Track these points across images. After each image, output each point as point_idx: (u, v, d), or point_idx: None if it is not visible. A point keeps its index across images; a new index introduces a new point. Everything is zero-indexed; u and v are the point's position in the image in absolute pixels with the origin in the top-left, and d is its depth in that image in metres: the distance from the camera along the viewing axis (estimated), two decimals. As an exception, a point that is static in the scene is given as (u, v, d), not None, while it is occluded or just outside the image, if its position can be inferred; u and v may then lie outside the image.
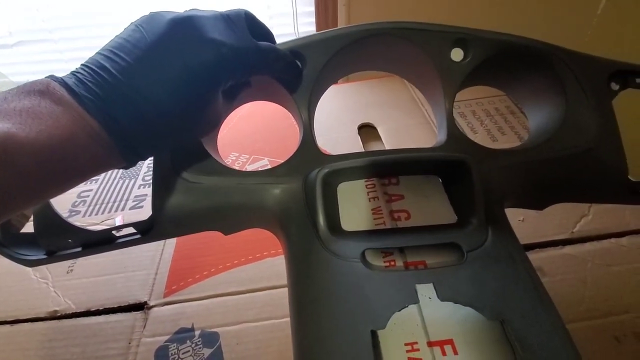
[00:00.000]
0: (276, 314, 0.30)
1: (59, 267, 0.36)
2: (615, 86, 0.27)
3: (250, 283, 0.33)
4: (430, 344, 0.19)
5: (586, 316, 0.28)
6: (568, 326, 0.28)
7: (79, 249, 0.26)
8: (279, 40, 0.26)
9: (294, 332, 0.20)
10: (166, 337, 0.30)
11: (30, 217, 0.27)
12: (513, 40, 0.27)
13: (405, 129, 0.47)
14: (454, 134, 0.26)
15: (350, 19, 0.53)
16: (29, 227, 0.26)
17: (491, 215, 0.23)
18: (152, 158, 0.25)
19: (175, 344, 0.29)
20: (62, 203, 0.44)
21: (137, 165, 0.47)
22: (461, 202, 0.24)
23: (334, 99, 0.58)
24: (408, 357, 0.18)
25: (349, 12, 0.52)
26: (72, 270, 0.36)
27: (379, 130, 0.48)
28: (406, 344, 0.19)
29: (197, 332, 0.30)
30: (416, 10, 0.53)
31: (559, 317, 0.19)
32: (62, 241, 0.26)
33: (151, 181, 0.25)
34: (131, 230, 0.26)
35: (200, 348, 0.29)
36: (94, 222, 0.41)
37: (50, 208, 0.25)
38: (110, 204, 0.43)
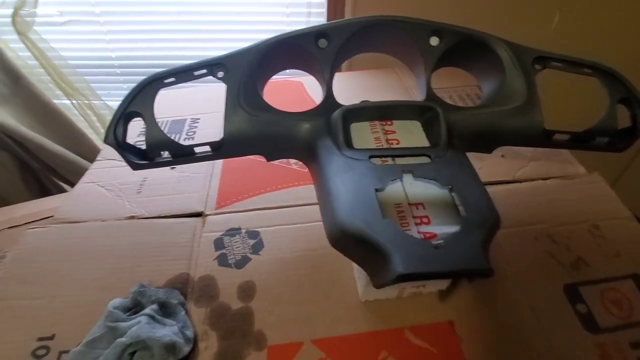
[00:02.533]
0: (302, 220, 0.42)
1: (129, 189, 0.47)
2: (538, 67, 0.40)
3: (280, 202, 0.44)
4: (410, 205, 0.31)
5: (516, 225, 0.41)
6: (508, 230, 0.41)
7: (170, 158, 0.37)
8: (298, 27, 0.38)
9: (325, 202, 0.31)
10: (221, 233, 0.41)
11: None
12: (472, 32, 0.39)
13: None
14: (430, 94, 0.39)
15: (355, 10, 0.65)
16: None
17: (452, 143, 0.35)
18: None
19: (228, 237, 0.41)
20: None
21: (180, 124, 0.59)
22: (433, 134, 0.36)
23: (336, 84, 0.70)
24: (396, 210, 0.30)
25: (354, 4, 0.64)
26: (140, 192, 0.46)
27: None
28: (395, 204, 0.31)
29: (243, 231, 0.41)
30: (413, 3, 0.65)
31: (486, 192, 0.31)
32: (161, 150, 0.37)
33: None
34: (207, 148, 0.38)
35: (246, 239, 0.40)
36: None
37: (157, 126, 0.36)
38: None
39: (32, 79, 0.75)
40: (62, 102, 0.83)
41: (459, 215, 0.29)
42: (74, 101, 0.82)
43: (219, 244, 0.40)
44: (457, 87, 0.62)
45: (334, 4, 0.64)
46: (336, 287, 0.36)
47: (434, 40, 0.40)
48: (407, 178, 0.32)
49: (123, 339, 0.28)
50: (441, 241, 0.25)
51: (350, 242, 0.28)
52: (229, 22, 0.83)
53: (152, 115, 0.36)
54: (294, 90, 0.67)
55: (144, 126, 0.36)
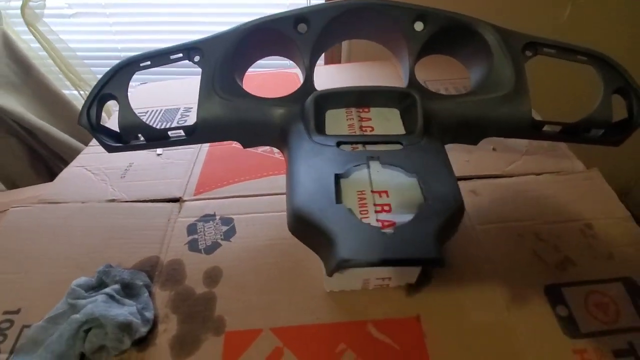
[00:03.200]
0: (276, 209, 0.41)
1: (114, 173, 0.47)
2: (529, 53, 0.37)
3: (257, 191, 0.44)
4: (373, 192, 0.29)
5: (501, 221, 0.39)
6: (487, 226, 0.39)
7: (144, 142, 0.37)
8: (292, 7, 0.37)
9: (288, 188, 0.31)
10: (195, 219, 0.41)
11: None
12: (457, 17, 0.38)
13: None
14: (413, 81, 0.37)
15: None
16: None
17: (429, 131, 0.33)
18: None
19: (202, 223, 0.40)
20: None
21: (173, 113, 0.59)
22: (410, 122, 0.35)
23: (337, 75, 0.69)
24: (358, 197, 0.29)
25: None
26: (124, 176, 0.47)
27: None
28: (358, 191, 0.30)
29: (217, 217, 0.41)
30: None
31: (454, 182, 0.29)
32: (135, 134, 0.37)
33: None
34: (181, 132, 0.38)
35: (219, 226, 0.40)
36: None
37: (130, 109, 0.36)
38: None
39: (42, 70, 0.78)
40: (71, 93, 0.86)
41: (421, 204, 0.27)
42: (81, 92, 0.84)
43: (192, 229, 0.40)
44: (454, 80, 0.60)
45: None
46: (303, 277, 0.35)
47: (419, 25, 0.38)
48: (375, 165, 0.31)
49: (77, 316, 0.29)
50: (391, 229, 0.24)
51: (304, 228, 0.27)
52: (233, 15, 0.83)
53: (126, 98, 0.37)
54: (289, 81, 0.66)
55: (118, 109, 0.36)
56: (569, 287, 0.33)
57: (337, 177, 0.30)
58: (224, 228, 0.40)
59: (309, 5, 0.38)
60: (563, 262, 0.35)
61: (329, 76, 0.69)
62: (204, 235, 0.39)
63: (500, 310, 0.32)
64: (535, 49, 0.37)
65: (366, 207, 0.28)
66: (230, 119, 0.36)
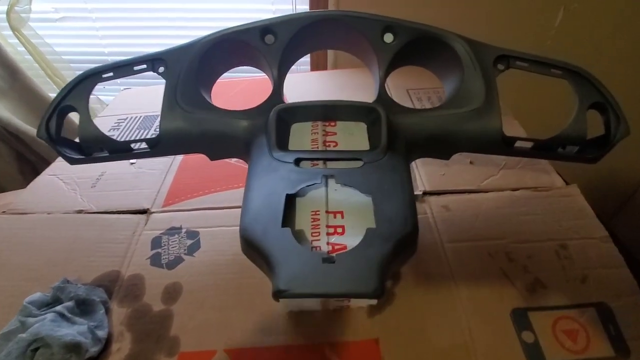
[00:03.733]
0: (243, 222, 0.40)
1: (85, 183, 0.47)
2: (501, 67, 0.36)
3: (225, 203, 0.43)
4: (328, 212, 0.29)
5: (471, 239, 0.37)
6: (457, 244, 0.38)
7: (107, 154, 0.37)
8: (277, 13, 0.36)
9: (242, 210, 0.30)
10: (161, 232, 0.40)
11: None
12: (426, 28, 0.36)
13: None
14: (382, 94, 0.36)
15: (339, 5, 0.63)
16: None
17: (393, 147, 0.32)
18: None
19: (167, 236, 0.40)
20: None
21: (151, 120, 0.59)
22: (374, 137, 0.33)
23: (321, 82, 0.68)
24: (311, 217, 0.28)
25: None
26: (95, 186, 0.47)
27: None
28: (312, 211, 0.29)
29: (183, 230, 0.40)
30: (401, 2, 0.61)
31: (409, 203, 0.28)
32: (97, 146, 0.36)
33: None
34: (144, 145, 0.37)
35: (184, 239, 0.39)
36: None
37: (91, 122, 0.35)
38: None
39: (29, 73, 0.78)
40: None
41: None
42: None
43: (156, 242, 0.39)
44: (438, 89, 0.58)
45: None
46: (263, 295, 0.34)
47: (388, 37, 0.37)
48: (333, 184, 0.30)
49: (24, 335, 0.28)
50: (333, 255, 0.23)
51: (251, 250, 0.26)
52: (219, 19, 0.83)
53: (87, 109, 0.36)
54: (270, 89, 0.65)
55: (79, 121, 0.36)
56: (536, 311, 0.32)
57: (293, 196, 0.29)
58: (189, 242, 0.39)
59: (275, 16, 0.37)
60: (533, 285, 0.34)
61: (313, 83, 0.68)
62: (168, 249, 0.38)
63: (462, 334, 0.31)
64: (508, 62, 0.36)
65: (318, 228, 0.28)
66: (192, 131, 0.35)
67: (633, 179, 0.87)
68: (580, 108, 0.33)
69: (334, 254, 0.23)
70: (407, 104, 0.55)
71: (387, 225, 0.25)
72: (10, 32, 0.75)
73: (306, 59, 0.79)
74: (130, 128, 0.58)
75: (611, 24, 0.69)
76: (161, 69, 0.37)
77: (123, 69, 0.37)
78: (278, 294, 0.21)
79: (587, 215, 0.39)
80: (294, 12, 0.37)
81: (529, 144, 0.35)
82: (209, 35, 0.37)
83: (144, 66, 0.37)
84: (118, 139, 0.37)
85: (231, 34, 0.37)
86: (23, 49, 0.77)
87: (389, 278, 0.34)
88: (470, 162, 0.46)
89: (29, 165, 0.86)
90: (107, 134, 0.57)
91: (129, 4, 0.80)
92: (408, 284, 0.34)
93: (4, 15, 0.72)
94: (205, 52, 0.37)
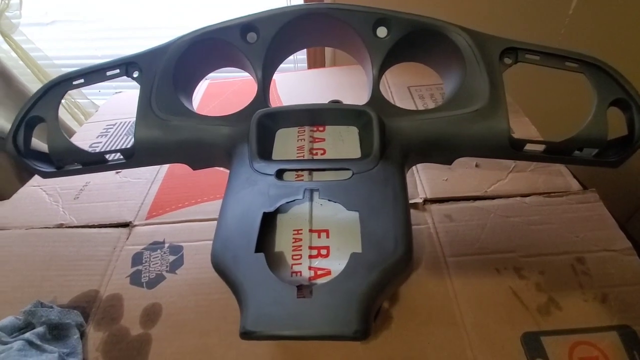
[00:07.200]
0: (229, 236, 0.38)
1: (68, 194, 0.45)
2: (508, 60, 0.32)
3: (212, 214, 0.40)
4: (311, 231, 0.26)
5: (477, 252, 0.34)
6: (461, 259, 0.34)
7: (80, 167, 0.34)
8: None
9: (215, 232, 0.26)
10: (142, 247, 0.38)
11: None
12: (424, 20, 0.33)
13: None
14: (375, 95, 0.33)
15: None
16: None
17: (387, 154, 0.29)
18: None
19: (148, 251, 0.37)
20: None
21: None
22: (366, 142, 0.30)
23: (320, 79, 0.65)
24: (293, 237, 0.25)
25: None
26: (78, 197, 0.45)
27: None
28: (294, 230, 0.26)
29: (166, 245, 0.38)
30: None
31: (402, 222, 0.24)
32: (68, 159, 0.34)
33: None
34: (119, 156, 0.34)
35: (167, 255, 0.37)
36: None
37: (60, 133, 0.33)
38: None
39: (23, 79, 0.77)
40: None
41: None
42: (63, 100, 0.83)
43: (137, 259, 0.37)
44: (440, 85, 0.54)
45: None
46: (247, 318, 0.31)
47: (382, 31, 0.34)
48: (317, 203, 0.27)
49: (-14, 367, 0.26)
50: (311, 288, 0.20)
51: (223, 279, 0.24)
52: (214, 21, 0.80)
53: (56, 120, 0.34)
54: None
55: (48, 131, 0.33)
56: (551, 336, 0.29)
57: (275, 213, 0.26)
58: (171, 258, 0.37)
59: (256, 12, 0.34)
60: (547, 305, 0.30)
61: (310, 81, 0.65)
62: (149, 266, 0.36)
63: (466, 364, 0.28)
64: (516, 56, 0.32)
65: (300, 250, 0.25)
66: (169, 140, 0.33)
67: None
68: (599, 105, 0.29)
69: (312, 286, 0.20)
70: (408, 102, 0.52)
71: (375, 249, 0.22)
72: (1, 38, 0.73)
73: (303, 56, 0.76)
74: (119, 134, 0.55)
75: (633, 9, 0.63)
76: (135, 74, 0.35)
77: (95, 74, 0.34)
78: (245, 336, 0.18)
79: (607, 224, 0.35)
80: (277, 7, 0.34)
81: (540, 147, 0.31)
82: (184, 35, 0.35)
83: (117, 71, 0.35)
84: (106, 147, 0.34)
85: (209, 33, 0.34)
86: (14, 54, 0.76)
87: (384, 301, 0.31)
88: (476, 165, 0.42)
89: (27, 173, 0.85)
90: (96, 141, 0.56)
91: (117, 7, 0.77)
92: (407, 304, 0.31)
93: (-6, 21, 0.71)
94: (181, 54, 0.34)
